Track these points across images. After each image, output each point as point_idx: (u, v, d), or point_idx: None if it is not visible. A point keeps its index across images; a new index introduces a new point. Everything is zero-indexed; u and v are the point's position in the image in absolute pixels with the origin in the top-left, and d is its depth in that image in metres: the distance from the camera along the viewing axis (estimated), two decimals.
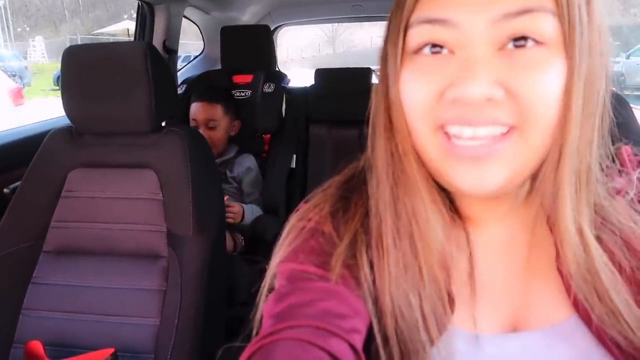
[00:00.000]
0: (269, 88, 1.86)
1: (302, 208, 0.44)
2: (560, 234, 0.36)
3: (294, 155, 1.89)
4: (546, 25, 0.33)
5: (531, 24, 0.33)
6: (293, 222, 0.43)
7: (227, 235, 1.43)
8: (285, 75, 1.99)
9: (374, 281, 0.39)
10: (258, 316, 0.40)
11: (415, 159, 0.38)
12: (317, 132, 1.91)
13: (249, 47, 1.90)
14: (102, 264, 1.00)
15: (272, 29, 2.17)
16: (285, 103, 1.91)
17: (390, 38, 0.38)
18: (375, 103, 0.41)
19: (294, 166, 1.90)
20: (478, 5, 0.34)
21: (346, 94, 1.83)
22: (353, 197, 0.43)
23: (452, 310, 0.38)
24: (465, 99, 0.34)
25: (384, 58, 0.39)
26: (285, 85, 1.93)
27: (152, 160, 1.02)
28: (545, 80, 0.33)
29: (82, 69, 0.99)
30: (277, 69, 2.12)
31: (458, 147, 0.35)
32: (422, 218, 0.38)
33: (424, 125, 0.36)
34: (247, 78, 1.89)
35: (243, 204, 1.55)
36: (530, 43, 0.33)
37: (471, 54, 0.34)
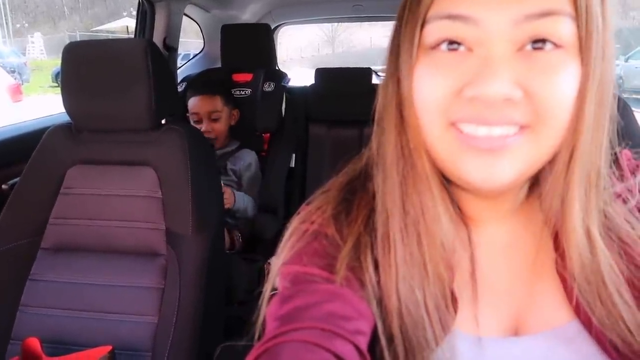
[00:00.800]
0: (269, 87, 1.86)
1: (304, 210, 0.44)
2: (567, 235, 0.36)
3: (293, 155, 1.89)
4: (565, 29, 0.34)
5: (551, 26, 0.33)
6: (295, 225, 0.43)
7: (225, 234, 1.41)
8: (286, 75, 1.99)
9: (378, 282, 0.39)
10: (261, 318, 0.40)
11: (426, 154, 0.38)
12: (316, 131, 1.91)
13: (249, 46, 1.89)
14: (100, 262, 1.00)
15: (272, 28, 2.16)
16: (285, 102, 1.90)
17: (406, 32, 0.38)
18: (384, 98, 0.40)
19: (293, 165, 1.89)
20: (501, 4, 0.33)
21: (346, 94, 1.83)
22: (355, 200, 0.43)
23: (455, 310, 0.38)
24: (485, 97, 0.33)
25: (395, 53, 0.39)
26: (286, 85, 1.93)
27: (152, 158, 1.02)
28: (562, 83, 0.34)
29: (83, 65, 0.99)
30: (277, 68, 2.11)
31: (472, 139, 0.35)
32: (430, 214, 0.38)
33: (436, 121, 0.36)
34: (247, 77, 1.89)
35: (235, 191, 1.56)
36: (548, 46, 0.34)
37: (491, 53, 0.34)
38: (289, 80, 1.98)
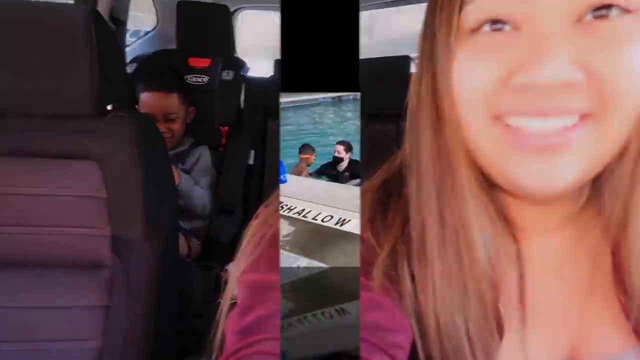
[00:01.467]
0: (227, 75, 1.80)
1: (263, 213, 0.42)
2: (628, 244, 0.34)
3: (252, 151, 1.85)
4: None
5: None
6: (253, 231, 0.41)
7: (181, 240, 1.36)
8: (245, 63, 1.94)
9: (416, 296, 0.36)
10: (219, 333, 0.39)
11: (466, 155, 0.35)
12: (276, 126, 1.88)
13: (207, 28, 1.83)
14: (29, 278, 0.88)
15: (231, 11, 2.10)
16: (244, 93, 1.85)
17: (442, 18, 0.34)
18: (417, 92, 0.37)
19: (252, 163, 1.85)
20: None
21: None
22: (390, 203, 0.40)
23: (501, 337, 0.35)
24: (539, 84, 0.30)
25: (430, 41, 0.36)
26: (245, 74, 1.88)
27: (95, 151, 0.91)
28: (633, 58, 0.29)
29: (7, 32, 0.85)
30: (236, 55, 2.06)
31: (524, 135, 0.31)
32: (471, 225, 0.35)
33: (480, 115, 0.33)
34: (205, 62, 1.82)
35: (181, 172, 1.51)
36: (614, 12, 0.29)
37: (543, 29, 0.30)
38: (248, 69, 1.93)
